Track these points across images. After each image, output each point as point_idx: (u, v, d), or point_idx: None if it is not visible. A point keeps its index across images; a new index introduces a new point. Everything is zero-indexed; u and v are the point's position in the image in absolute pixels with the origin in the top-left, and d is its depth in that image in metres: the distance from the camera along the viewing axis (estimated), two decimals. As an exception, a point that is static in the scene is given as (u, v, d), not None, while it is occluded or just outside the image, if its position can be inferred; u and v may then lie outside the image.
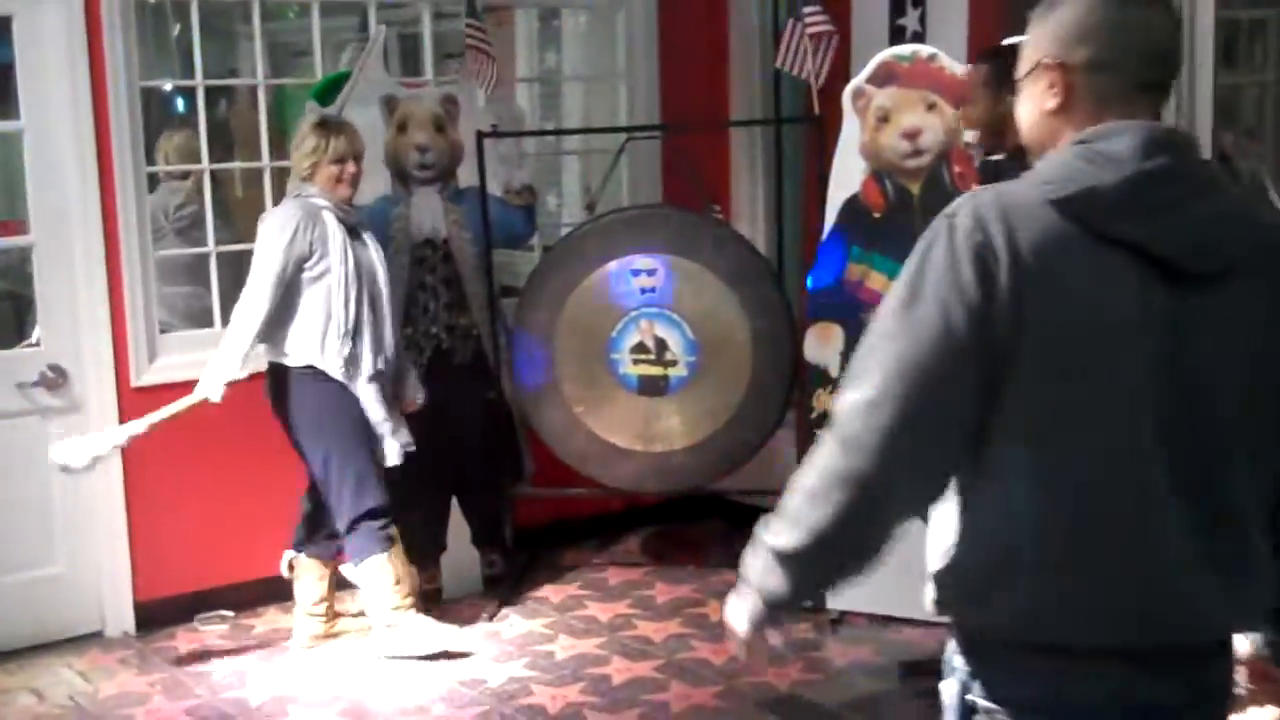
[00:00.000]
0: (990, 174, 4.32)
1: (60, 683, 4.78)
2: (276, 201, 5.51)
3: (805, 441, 5.21)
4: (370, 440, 4.72)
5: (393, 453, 4.74)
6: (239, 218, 6.31)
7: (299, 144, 4.75)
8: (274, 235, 4.62)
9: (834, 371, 5.02)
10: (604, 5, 6.30)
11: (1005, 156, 4.14)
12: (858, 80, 5.00)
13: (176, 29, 6.64)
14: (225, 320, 5.38)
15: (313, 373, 4.65)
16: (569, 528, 5.99)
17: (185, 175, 5.84)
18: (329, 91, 5.25)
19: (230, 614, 5.29)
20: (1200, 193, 1.86)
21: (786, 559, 1.91)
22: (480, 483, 5.38)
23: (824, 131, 5.25)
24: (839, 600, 5.04)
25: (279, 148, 5.53)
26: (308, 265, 4.62)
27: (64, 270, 5.01)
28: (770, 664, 4.70)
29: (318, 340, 4.64)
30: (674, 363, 5.31)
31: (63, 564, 5.11)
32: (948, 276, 1.80)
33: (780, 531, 1.92)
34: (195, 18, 5.31)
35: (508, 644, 5.00)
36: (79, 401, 5.07)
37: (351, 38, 6.71)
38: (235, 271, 5.25)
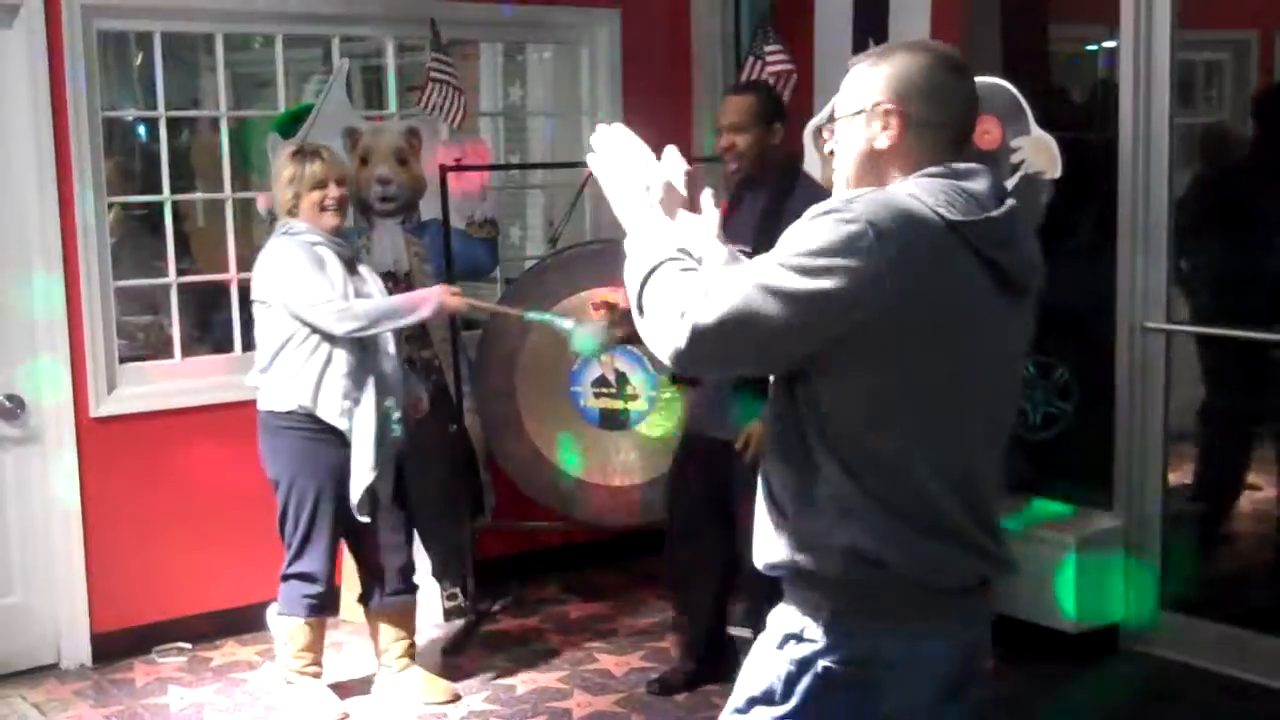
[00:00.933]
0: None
1: (14, 715, 4.73)
2: (240, 233, 5.53)
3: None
4: (341, 497, 4.47)
5: (361, 507, 4.48)
6: (199, 248, 6.31)
7: (277, 176, 4.53)
8: (290, 264, 4.37)
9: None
10: (568, 40, 6.34)
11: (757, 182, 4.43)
12: (819, 118, 5.04)
13: (139, 58, 6.64)
14: (185, 351, 5.39)
15: (302, 416, 4.43)
16: (530, 561, 5.98)
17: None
18: (291, 123, 5.26)
19: (188, 646, 5.25)
20: (1027, 230, 2.28)
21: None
22: (441, 515, 5.36)
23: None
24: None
25: (241, 179, 5.53)
26: None
27: (22, 299, 4.99)
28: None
29: (312, 383, 4.39)
30: (634, 397, 5.33)
31: (19, 594, 5.07)
32: (850, 260, 2.04)
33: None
34: (158, 48, 5.31)
35: (468, 678, 4.98)
36: (36, 432, 5.03)
37: (315, 70, 6.73)
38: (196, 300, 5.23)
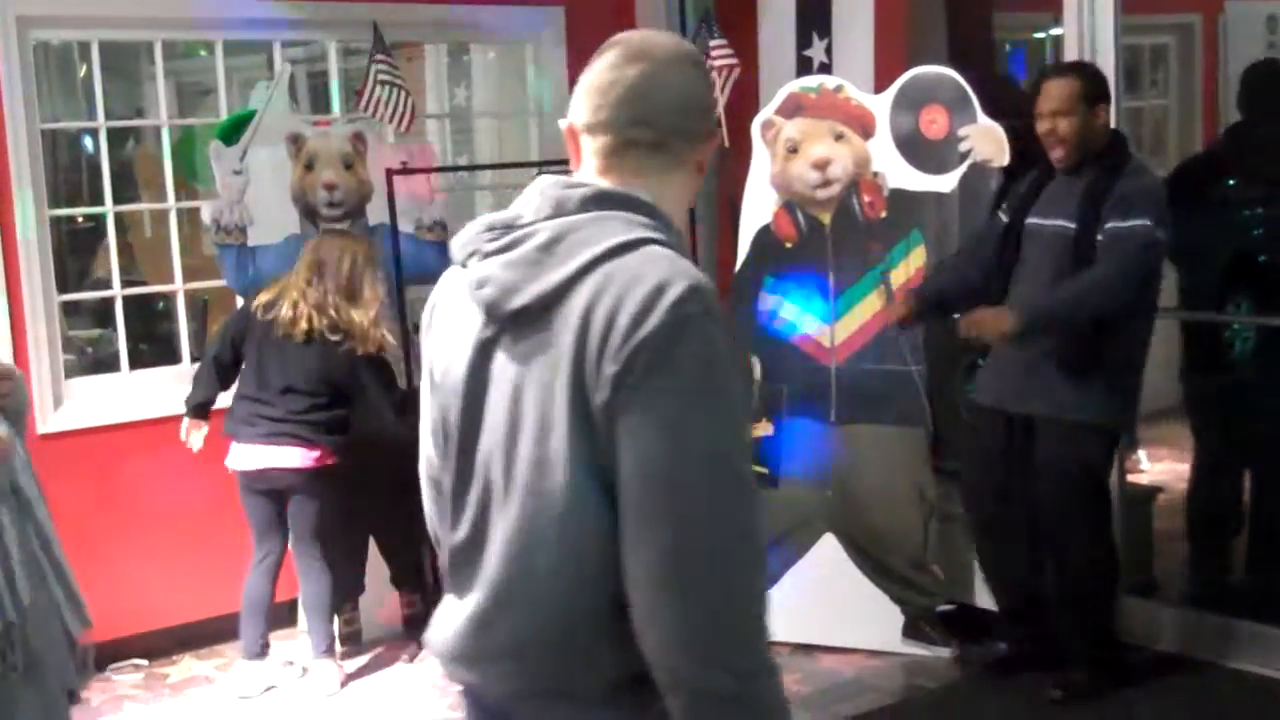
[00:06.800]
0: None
1: (-33, 739, 4.67)
2: (186, 244, 5.46)
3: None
4: None
5: None
6: (145, 260, 6.24)
7: None
8: None
9: (751, 403, 5.02)
10: (513, 41, 6.30)
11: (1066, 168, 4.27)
12: (766, 111, 5.03)
13: (83, 70, 6.57)
14: (134, 364, 5.33)
15: None
16: (489, 565, 5.94)
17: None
18: (234, 130, 5.21)
19: (144, 663, 5.19)
20: None
21: None
22: (397, 523, 5.32)
23: (735, 163, 5.28)
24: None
25: (187, 188, 5.47)
26: None
27: (-35, 316, 4.91)
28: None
29: None
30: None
31: (-31, 617, 4.99)
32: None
33: None
34: (96, 57, 5.24)
35: (429, 686, 4.95)
36: (-17, 450, 4.95)
37: (258, 76, 6.67)
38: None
